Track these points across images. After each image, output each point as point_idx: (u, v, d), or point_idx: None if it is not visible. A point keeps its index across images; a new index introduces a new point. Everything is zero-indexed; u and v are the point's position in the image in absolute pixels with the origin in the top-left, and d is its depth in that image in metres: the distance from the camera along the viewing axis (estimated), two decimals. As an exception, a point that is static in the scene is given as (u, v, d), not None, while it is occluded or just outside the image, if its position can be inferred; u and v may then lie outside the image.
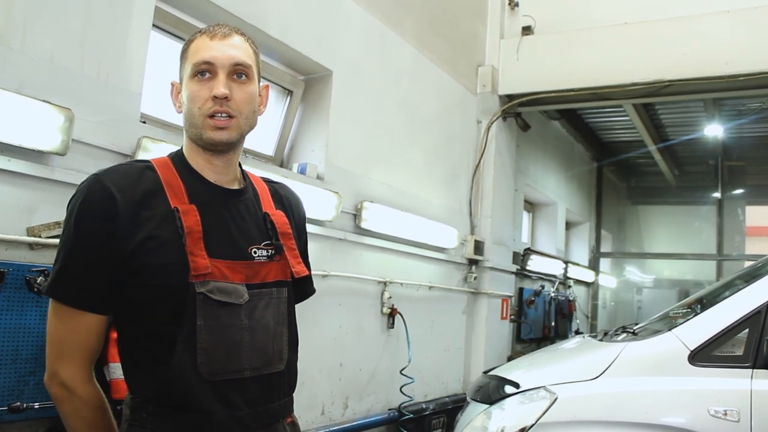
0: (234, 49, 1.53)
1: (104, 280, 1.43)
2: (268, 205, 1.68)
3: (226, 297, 1.46)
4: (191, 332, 1.42)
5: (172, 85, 1.61)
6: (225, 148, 1.54)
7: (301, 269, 1.65)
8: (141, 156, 2.89)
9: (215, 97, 1.47)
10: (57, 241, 2.53)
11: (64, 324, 1.45)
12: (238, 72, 1.52)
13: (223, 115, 1.49)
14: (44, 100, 2.53)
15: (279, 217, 1.66)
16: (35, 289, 2.47)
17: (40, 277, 2.48)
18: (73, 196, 1.47)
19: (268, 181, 1.77)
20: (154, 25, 3.23)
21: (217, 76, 1.49)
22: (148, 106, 3.29)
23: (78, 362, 1.47)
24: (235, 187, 1.63)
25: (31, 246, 2.57)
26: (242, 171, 1.68)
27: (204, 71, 1.50)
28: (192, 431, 1.44)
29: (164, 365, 1.42)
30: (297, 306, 1.71)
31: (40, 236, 2.58)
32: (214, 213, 1.53)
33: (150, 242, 1.43)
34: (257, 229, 1.61)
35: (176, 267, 1.43)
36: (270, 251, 1.60)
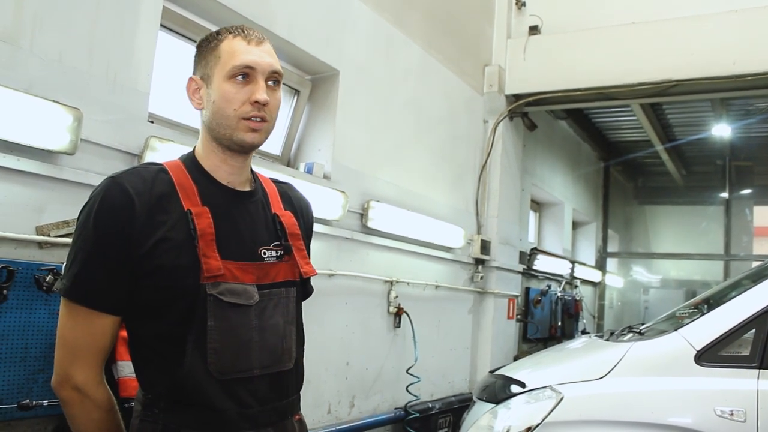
0: (270, 56, 1.57)
1: (121, 281, 1.44)
2: (277, 206, 1.69)
3: (237, 298, 1.48)
4: (201, 332, 1.44)
5: (191, 80, 1.61)
6: (250, 150, 1.58)
7: (309, 269, 1.67)
8: (149, 155, 2.91)
9: (256, 102, 1.51)
10: (66, 240, 2.59)
11: (80, 326, 1.46)
12: (274, 79, 1.57)
13: (258, 118, 1.53)
14: (53, 100, 2.55)
15: (288, 218, 1.67)
16: (44, 288, 2.50)
17: (49, 276, 2.50)
18: (89, 199, 1.48)
19: (275, 182, 1.79)
20: (162, 25, 3.25)
21: (256, 82, 1.53)
22: (156, 106, 3.31)
23: (91, 365, 1.48)
24: (247, 188, 1.64)
25: (40, 245, 2.59)
26: (252, 172, 1.70)
27: (245, 74, 1.52)
28: (203, 428, 1.45)
29: (175, 364, 1.44)
30: (303, 305, 1.72)
31: (49, 235, 2.60)
32: (226, 215, 1.55)
33: (163, 244, 1.44)
34: (267, 230, 1.62)
35: (189, 269, 1.44)
36: (279, 252, 1.62)
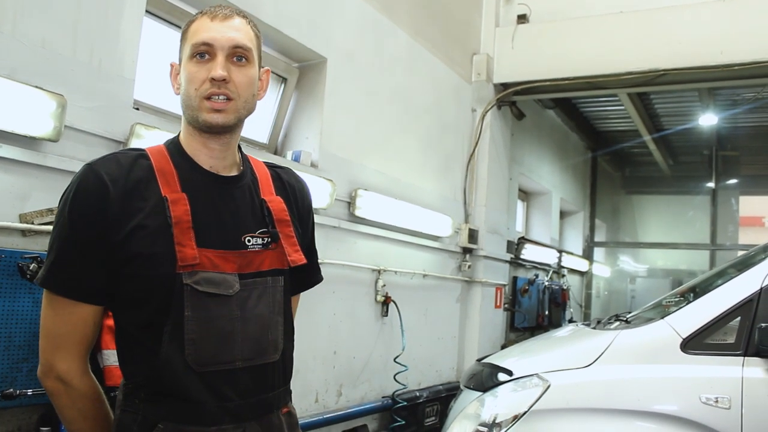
0: (234, 30, 1.49)
1: (98, 270, 1.41)
2: (267, 191, 1.63)
3: (214, 288, 1.44)
4: (178, 323, 1.40)
5: (171, 66, 1.57)
6: (221, 131, 1.50)
7: (297, 257, 1.60)
8: (134, 142, 2.89)
9: (213, 79, 1.44)
10: (49, 228, 2.56)
11: (60, 316, 1.43)
12: (238, 55, 1.49)
13: (220, 97, 1.46)
14: (36, 86, 2.52)
15: (276, 204, 1.62)
16: (28, 276, 2.47)
17: (33, 264, 2.48)
18: (67, 187, 1.45)
19: (271, 166, 1.73)
20: (147, 11, 3.21)
21: (215, 58, 1.46)
22: (142, 93, 3.28)
23: (74, 354, 1.45)
24: (233, 173, 1.59)
25: (24, 232, 2.56)
26: (242, 155, 1.64)
27: (203, 53, 1.46)
28: (181, 419, 1.42)
29: (153, 354, 1.41)
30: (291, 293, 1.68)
31: (32, 223, 2.57)
32: (207, 201, 1.50)
33: (139, 232, 1.40)
34: (252, 216, 1.57)
35: (164, 257, 1.40)
36: (265, 239, 1.56)
